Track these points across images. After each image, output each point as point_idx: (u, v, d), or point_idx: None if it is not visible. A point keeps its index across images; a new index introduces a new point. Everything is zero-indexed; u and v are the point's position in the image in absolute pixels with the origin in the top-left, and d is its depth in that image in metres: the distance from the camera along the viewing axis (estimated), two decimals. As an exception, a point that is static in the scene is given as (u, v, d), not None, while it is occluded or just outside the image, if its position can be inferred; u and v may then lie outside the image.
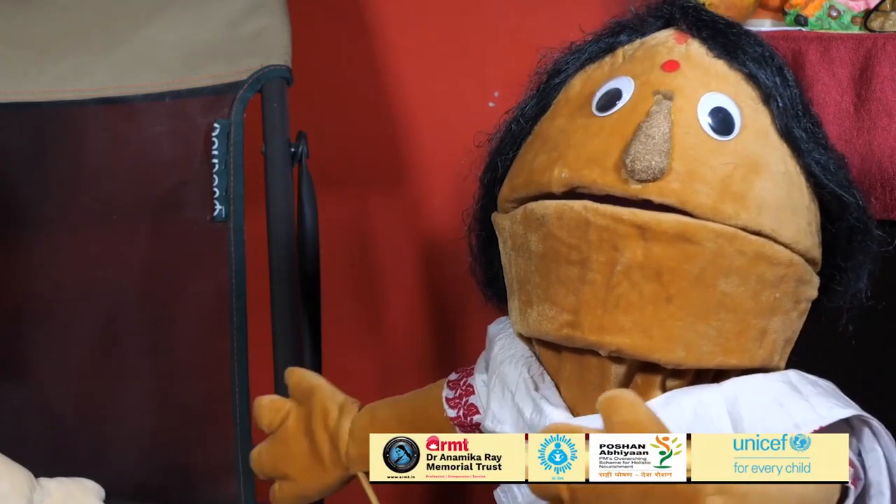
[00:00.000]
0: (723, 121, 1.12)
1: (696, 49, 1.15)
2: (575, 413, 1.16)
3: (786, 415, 1.10)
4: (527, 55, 1.67)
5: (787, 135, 1.14)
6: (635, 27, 1.18)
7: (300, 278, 1.54)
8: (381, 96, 1.90)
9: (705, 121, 1.11)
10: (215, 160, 1.51)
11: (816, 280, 1.16)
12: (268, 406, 1.36)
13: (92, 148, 1.61)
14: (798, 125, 1.14)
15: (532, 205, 1.13)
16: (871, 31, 1.49)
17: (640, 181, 1.07)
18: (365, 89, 1.90)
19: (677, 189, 1.08)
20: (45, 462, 1.46)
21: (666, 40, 1.16)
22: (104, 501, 1.40)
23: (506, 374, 1.21)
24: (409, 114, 1.90)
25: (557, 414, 1.15)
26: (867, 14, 1.50)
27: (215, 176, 1.50)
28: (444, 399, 1.29)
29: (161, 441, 1.56)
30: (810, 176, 1.14)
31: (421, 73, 1.88)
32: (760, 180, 1.10)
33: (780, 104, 1.14)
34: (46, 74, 1.59)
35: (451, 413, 1.29)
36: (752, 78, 1.14)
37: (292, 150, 1.53)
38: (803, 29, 1.53)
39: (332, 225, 1.71)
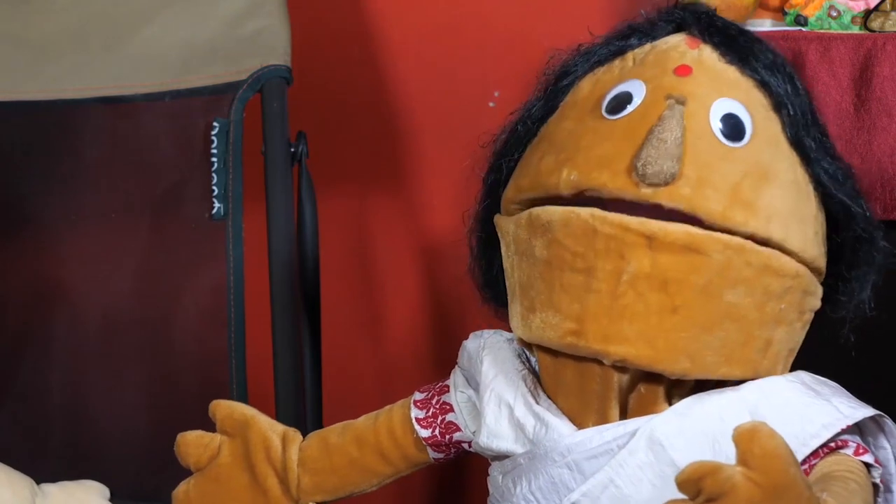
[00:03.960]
0: (734, 127, 1.11)
1: (708, 54, 1.14)
2: (576, 424, 1.15)
3: (811, 416, 1.10)
4: (527, 55, 1.67)
5: (797, 143, 1.13)
6: (646, 31, 1.18)
7: (300, 278, 1.54)
8: (381, 96, 1.90)
9: (717, 127, 1.11)
10: (214, 158, 1.51)
11: (820, 290, 1.15)
12: (194, 442, 1.29)
13: (91, 147, 1.61)
14: (808, 134, 1.14)
15: (537, 210, 1.13)
16: (871, 31, 1.49)
17: (651, 185, 1.07)
18: (365, 89, 1.90)
19: (688, 195, 1.07)
20: (44, 463, 1.46)
21: (678, 45, 1.15)
22: (109, 501, 1.39)
23: (501, 388, 1.19)
24: (409, 114, 1.90)
25: (565, 427, 1.14)
26: (867, 14, 1.50)
27: (214, 174, 1.50)
28: (413, 419, 1.26)
29: (159, 439, 1.56)
30: (819, 185, 1.14)
31: (421, 73, 1.88)
32: (770, 188, 1.10)
33: (791, 112, 1.13)
34: (46, 74, 1.59)
35: (424, 433, 1.26)
36: (763, 85, 1.14)
37: (292, 150, 1.53)
38: (803, 29, 1.53)
39: (331, 225, 1.71)
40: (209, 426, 1.31)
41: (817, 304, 1.16)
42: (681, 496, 0.91)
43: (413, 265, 1.92)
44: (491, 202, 1.22)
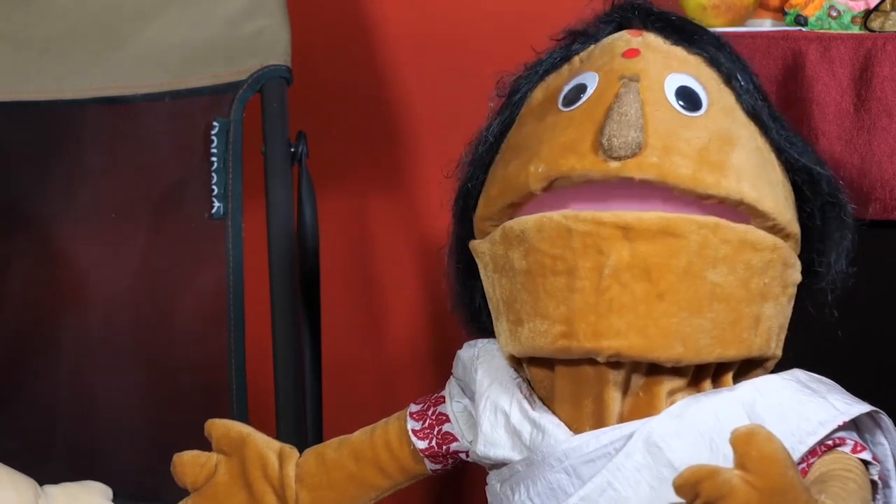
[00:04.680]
0: (690, 98, 1.12)
1: (653, 38, 1.16)
2: (573, 430, 1.14)
3: (807, 414, 1.10)
4: (527, 55, 1.66)
5: (753, 113, 1.15)
6: (588, 34, 1.19)
7: (300, 278, 1.54)
8: (381, 96, 1.90)
9: (674, 99, 1.12)
10: (214, 158, 1.51)
11: (799, 263, 1.16)
12: (191, 462, 1.29)
13: (91, 147, 1.61)
14: (763, 106, 1.16)
15: (510, 223, 1.13)
16: (871, 31, 1.49)
17: (619, 158, 1.07)
18: (365, 89, 1.90)
19: (656, 163, 1.08)
20: (44, 464, 1.46)
21: (621, 36, 1.17)
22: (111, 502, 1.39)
23: (496, 396, 1.18)
24: (409, 114, 1.90)
25: (562, 433, 1.14)
26: (867, 14, 1.50)
27: (214, 174, 1.51)
28: (409, 431, 1.25)
29: (158, 438, 1.56)
30: (780, 153, 1.15)
31: (421, 72, 1.88)
32: (735, 152, 1.11)
33: (743, 84, 1.15)
34: (46, 74, 1.59)
35: (421, 445, 1.25)
36: (712, 61, 1.15)
37: (292, 150, 1.54)
38: (803, 29, 1.53)
39: (331, 225, 1.71)
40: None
41: (798, 276, 1.16)
42: (679, 500, 0.91)
43: (413, 265, 1.92)
44: (463, 230, 1.22)
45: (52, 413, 1.61)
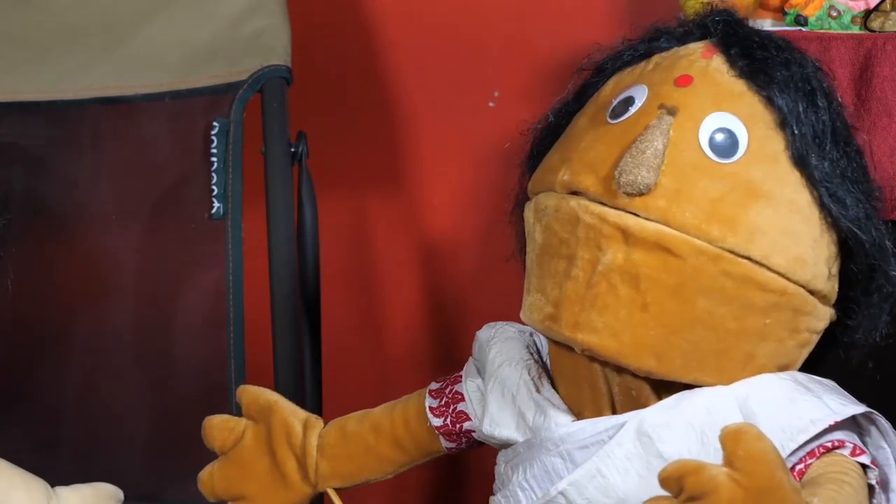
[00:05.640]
0: (725, 142, 1.10)
1: (717, 66, 1.13)
2: (576, 413, 1.16)
3: (799, 412, 1.09)
4: (527, 55, 1.66)
5: (800, 163, 1.11)
6: (675, 35, 1.18)
7: (300, 278, 1.54)
8: (381, 96, 1.90)
9: (706, 141, 1.10)
10: (214, 158, 1.51)
11: (823, 311, 1.14)
12: (219, 426, 1.32)
13: (91, 147, 1.61)
14: (819, 154, 1.12)
15: (541, 195, 1.15)
16: (871, 31, 1.49)
17: (627, 194, 1.08)
18: (365, 89, 1.90)
19: (662, 206, 1.08)
20: (47, 464, 1.46)
21: (692, 53, 1.15)
22: (122, 504, 1.39)
23: (505, 376, 1.21)
24: (409, 114, 1.90)
25: (562, 417, 1.15)
26: (867, 14, 1.50)
27: (214, 174, 1.51)
28: (427, 409, 1.28)
29: (158, 439, 1.56)
30: (824, 208, 1.12)
31: (421, 73, 1.88)
32: (757, 206, 1.09)
33: (797, 131, 1.11)
34: (46, 74, 1.59)
35: (437, 422, 1.27)
36: (769, 101, 1.12)
37: (292, 150, 1.54)
38: (803, 29, 1.53)
39: (331, 225, 1.71)
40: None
41: (818, 325, 1.14)
42: (665, 493, 0.91)
43: (413, 265, 1.92)
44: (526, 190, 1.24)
45: (50, 412, 1.61)
